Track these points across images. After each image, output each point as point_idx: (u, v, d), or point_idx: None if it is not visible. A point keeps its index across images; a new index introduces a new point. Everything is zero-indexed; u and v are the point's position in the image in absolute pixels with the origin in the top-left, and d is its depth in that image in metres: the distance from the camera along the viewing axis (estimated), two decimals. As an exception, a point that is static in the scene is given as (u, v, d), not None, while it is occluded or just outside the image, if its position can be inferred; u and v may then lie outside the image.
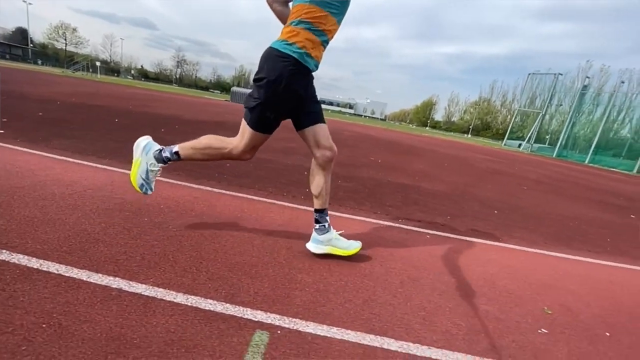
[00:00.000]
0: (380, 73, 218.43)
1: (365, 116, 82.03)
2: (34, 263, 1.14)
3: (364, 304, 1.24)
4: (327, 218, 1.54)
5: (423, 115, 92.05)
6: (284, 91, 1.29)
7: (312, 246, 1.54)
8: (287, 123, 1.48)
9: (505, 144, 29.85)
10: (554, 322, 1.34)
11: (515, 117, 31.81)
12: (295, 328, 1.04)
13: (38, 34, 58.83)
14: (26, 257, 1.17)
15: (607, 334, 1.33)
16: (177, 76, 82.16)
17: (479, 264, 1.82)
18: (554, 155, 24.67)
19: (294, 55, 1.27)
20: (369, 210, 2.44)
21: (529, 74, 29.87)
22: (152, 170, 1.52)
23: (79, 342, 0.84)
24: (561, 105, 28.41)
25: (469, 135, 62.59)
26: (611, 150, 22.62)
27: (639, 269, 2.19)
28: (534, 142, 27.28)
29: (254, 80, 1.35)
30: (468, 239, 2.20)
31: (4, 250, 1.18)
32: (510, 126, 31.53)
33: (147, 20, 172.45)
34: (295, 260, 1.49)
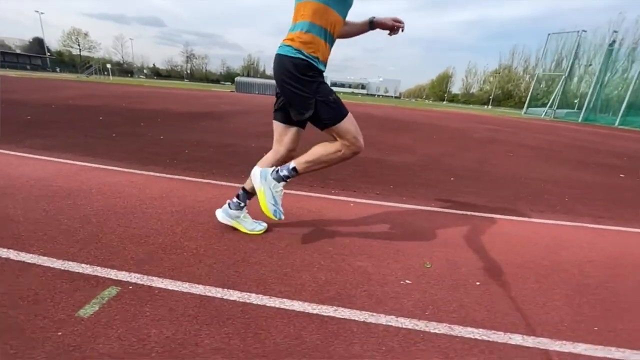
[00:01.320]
0: (392, 49, 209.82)
1: (378, 95, 79.68)
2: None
3: (234, 264, 1.34)
4: (247, 201, 1.62)
5: (439, 90, 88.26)
6: (308, 79, 1.31)
7: (219, 214, 1.64)
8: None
9: (526, 112, 28.24)
10: (424, 274, 1.38)
11: (537, 83, 29.82)
12: (147, 284, 1.16)
13: (53, 42, 61.35)
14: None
15: (477, 283, 1.36)
16: (188, 71, 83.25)
17: (381, 224, 1.86)
18: (579, 120, 23.15)
19: (301, 56, 1.29)
20: (307, 185, 2.51)
21: (549, 34, 27.73)
22: (277, 193, 1.48)
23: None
24: (590, 65, 26.27)
25: (489, 107, 59.69)
26: (650, 109, 20.83)
27: (568, 225, 2.13)
28: (562, 108, 25.58)
29: (285, 96, 1.38)
30: (388, 203, 2.23)
31: None
32: (530, 93, 29.67)
33: (155, 17, 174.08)
34: (193, 231, 1.60)
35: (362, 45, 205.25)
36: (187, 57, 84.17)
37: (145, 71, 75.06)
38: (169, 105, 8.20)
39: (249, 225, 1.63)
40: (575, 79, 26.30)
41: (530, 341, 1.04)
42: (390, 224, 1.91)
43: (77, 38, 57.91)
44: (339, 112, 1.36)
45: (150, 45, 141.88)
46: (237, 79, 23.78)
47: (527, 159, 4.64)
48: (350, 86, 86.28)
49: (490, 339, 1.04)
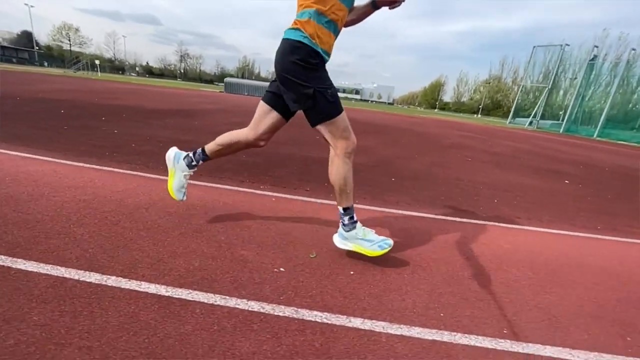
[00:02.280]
0: (387, 56, 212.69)
1: (372, 101, 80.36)
2: None
3: (113, 249, 1.35)
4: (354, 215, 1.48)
5: (431, 97, 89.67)
6: (311, 67, 1.30)
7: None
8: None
9: (510, 122, 28.84)
10: (303, 264, 1.42)
11: (524, 94, 30.52)
12: (8, 265, 1.17)
13: (43, 36, 60.36)
14: None
15: (352, 272, 1.40)
16: (181, 71, 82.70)
17: (290, 218, 1.90)
18: (560, 131, 23.76)
19: (305, 41, 1.28)
20: (238, 180, 2.54)
21: (534, 47, 28.51)
22: (186, 176, 1.64)
23: None
24: (575, 78, 27.04)
25: (479, 116, 60.79)
26: (629, 123, 21.51)
27: (478, 223, 2.21)
28: (547, 119, 26.21)
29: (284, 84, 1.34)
30: (311, 199, 2.28)
31: None
32: (515, 103, 30.38)
33: (151, 15, 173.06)
34: (90, 218, 1.61)
35: (358, 52, 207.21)
36: (181, 56, 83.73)
37: (137, 69, 74.33)
38: (144, 102, 8.15)
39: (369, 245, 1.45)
40: (561, 92, 27.07)
41: (368, 324, 1.09)
42: (300, 217, 1.95)
43: (67, 33, 57.15)
44: (335, 108, 1.34)
45: (145, 43, 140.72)
46: (227, 79, 23.76)
47: (482, 164, 4.76)
48: (344, 91, 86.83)
49: (329, 322, 1.08)
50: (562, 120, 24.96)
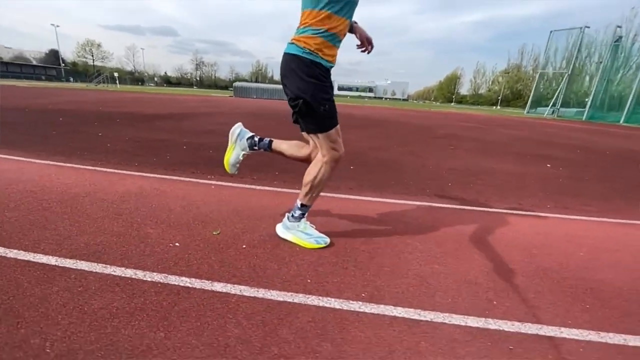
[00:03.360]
0: (401, 52, 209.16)
1: (385, 98, 79.31)
2: None
3: (29, 229, 1.50)
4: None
5: (447, 91, 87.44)
6: (314, 81, 1.33)
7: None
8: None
9: (528, 112, 27.61)
10: (202, 240, 1.51)
11: (544, 82, 29.11)
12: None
13: (69, 53, 64.39)
14: None
15: (244, 246, 1.48)
16: (197, 78, 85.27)
17: (218, 202, 2.00)
18: (583, 118, 22.51)
19: (307, 57, 1.31)
20: (206, 172, 2.67)
21: (551, 32, 27.21)
22: (244, 154, 1.70)
23: None
24: (600, 62, 25.51)
25: (498, 107, 58.62)
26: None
27: (424, 205, 2.21)
28: (572, 107, 24.86)
29: (286, 92, 1.39)
30: (254, 187, 2.37)
31: None
32: (532, 92, 29.08)
33: (169, 27, 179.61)
34: (20, 204, 1.78)
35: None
36: (197, 64, 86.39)
37: (155, 79, 77.44)
38: (144, 109, 8.54)
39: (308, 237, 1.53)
40: (587, 78, 25.47)
41: (227, 288, 1.16)
42: (227, 201, 2.04)
43: (90, 49, 60.71)
44: (328, 123, 1.38)
45: (164, 54, 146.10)
46: (235, 84, 24.35)
47: (465, 151, 4.67)
48: (357, 89, 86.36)
49: (191, 286, 1.17)
50: (589, 107, 23.57)
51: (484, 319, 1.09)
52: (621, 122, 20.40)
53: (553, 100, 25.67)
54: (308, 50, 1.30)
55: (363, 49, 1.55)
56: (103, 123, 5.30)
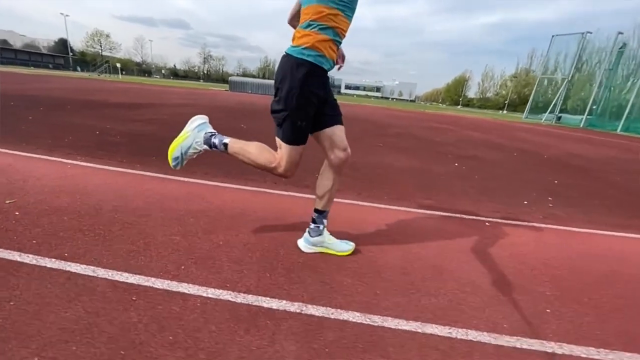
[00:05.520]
0: (414, 53, 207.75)
1: (392, 99, 78.81)
2: None
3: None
4: (325, 221, 1.54)
5: (455, 93, 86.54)
6: (306, 95, 1.29)
7: (302, 244, 1.57)
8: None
9: (526, 117, 27.21)
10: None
11: (544, 86, 28.60)
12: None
13: (78, 42, 65.71)
14: None
15: (66, 218, 1.62)
16: (204, 72, 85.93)
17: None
18: (580, 125, 22.12)
19: (309, 59, 1.27)
20: (88, 155, 2.83)
21: (553, 36, 26.76)
22: (194, 150, 1.49)
23: None
24: (612, 69, 24.95)
25: (504, 112, 57.77)
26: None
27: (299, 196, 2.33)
28: (575, 113, 24.34)
29: (275, 92, 1.34)
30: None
31: None
32: (531, 97, 28.66)
33: (182, 20, 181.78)
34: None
35: (382, 50, 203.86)
36: (205, 58, 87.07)
37: (163, 71, 78.37)
38: (113, 98, 8.64)
39: (338, 247, 1.56)
40: (594, 85, 24.76)
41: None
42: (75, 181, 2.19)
43: (99, 39, 61.80)
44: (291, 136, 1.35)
45: (175, 46, 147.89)
46: (231, 78, 24.54)
47: (387, 149, 4.69)
48: (364, 89, 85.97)
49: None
50: (589, 114, 23.12)
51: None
52: (618, 131, 20.02)
53: (551, 107, 25.26)
54: (315, 53, 1.26)
55: (337, 66, 1.49)
56: (50, 108, 5.49)
